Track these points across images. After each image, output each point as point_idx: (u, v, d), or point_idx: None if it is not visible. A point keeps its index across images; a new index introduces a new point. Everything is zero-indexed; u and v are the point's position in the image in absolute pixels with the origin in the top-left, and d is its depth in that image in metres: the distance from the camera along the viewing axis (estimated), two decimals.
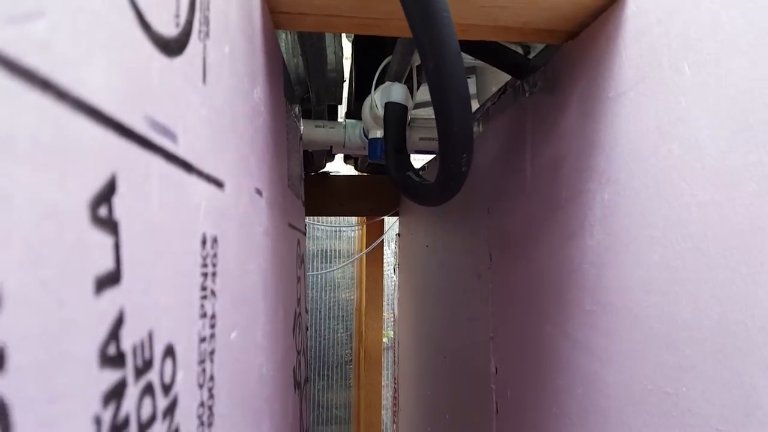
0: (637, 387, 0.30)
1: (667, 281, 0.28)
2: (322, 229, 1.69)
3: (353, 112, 0.79)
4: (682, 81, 0.27)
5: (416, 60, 0.57)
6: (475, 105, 0.71)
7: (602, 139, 0.35)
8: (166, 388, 0.16)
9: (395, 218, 1.33)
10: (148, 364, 0.15)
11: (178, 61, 0.17)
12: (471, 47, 0.48)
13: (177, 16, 0.17)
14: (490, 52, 0.49)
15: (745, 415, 0.23)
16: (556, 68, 0.42)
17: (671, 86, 0.28)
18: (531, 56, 0.49)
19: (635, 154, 0.31)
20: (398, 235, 1.32)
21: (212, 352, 0.21)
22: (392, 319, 1.57)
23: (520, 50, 0.61)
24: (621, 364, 0.32)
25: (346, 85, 0.85)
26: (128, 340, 0.14)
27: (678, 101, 0.28)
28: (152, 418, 0.15)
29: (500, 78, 0.71)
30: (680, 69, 0.28)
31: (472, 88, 0.84)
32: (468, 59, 0.57)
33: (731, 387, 0.23)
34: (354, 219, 1.60)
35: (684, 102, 0.27)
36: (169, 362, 0.17)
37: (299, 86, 0.72)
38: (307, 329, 0.64)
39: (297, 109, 0.58)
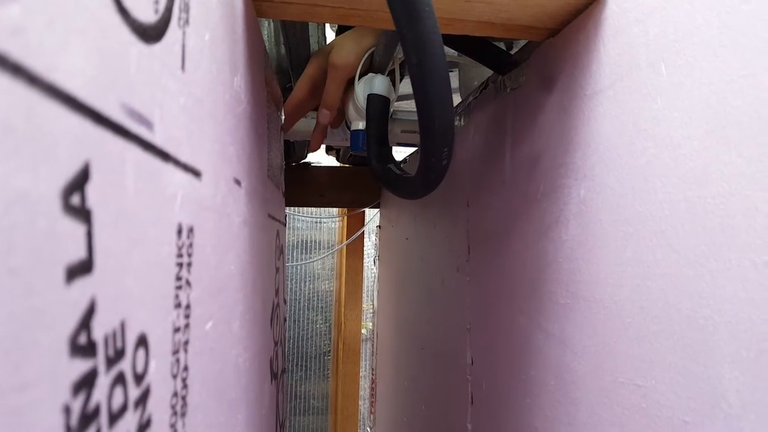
0: (609, 379, 0.31)
1: (639, 276, 0.28)
2: (303, 220, 1.69)
3: None
4: (659, 81, 0.28)
5: (399, 52, 0.57)
6: (457, 99, 0.72)
7: (580, 136, 0.35)
8: (138, 378, 0.16)
9: (376, 210, 1.33)
10: (119, 354, 0.15)
11: (157, 48, 0.17)
12: (454, 41, 0.48)
13: (156, 2, 0.17)
14: (472, 46, 0.49)
15: (711, 407, 0.23)
16: (537, 65, 0.42)
17: (648, 86, 0.29)
18: (513, 51, 0.49)
19: (611, 152, 0.32)
20: (379, 227, 1.33)
21: (186, 342, 0.21)
22: (371, 310, 1.57)
23: (502, 46, 0.61)
24: (593, 356, 0.33)
25: None
26: (99, 330, 0.14)
27: (654, 101, 0.28)
28: (123, 408, 0.15)
29: (483, 72, 0.71)
30: (657, 69, 0.28)
31: (455, 82, 0.84)
32: (450, 53, 0.57)
33: (698, 380, 0.24)
34: (335, 210, 1.59)
35: (660, 102, 0.28)
36: (141, 352, 0.17)
37: (281, 75, 0.72)
38: (285, 320, 0.64)
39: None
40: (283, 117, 0.62)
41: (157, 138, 0.17)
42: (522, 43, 0.54)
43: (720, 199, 0.23)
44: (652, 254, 0.27)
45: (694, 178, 0.25)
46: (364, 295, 1.56)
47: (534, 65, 0.43)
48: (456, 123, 0.63)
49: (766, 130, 0.21)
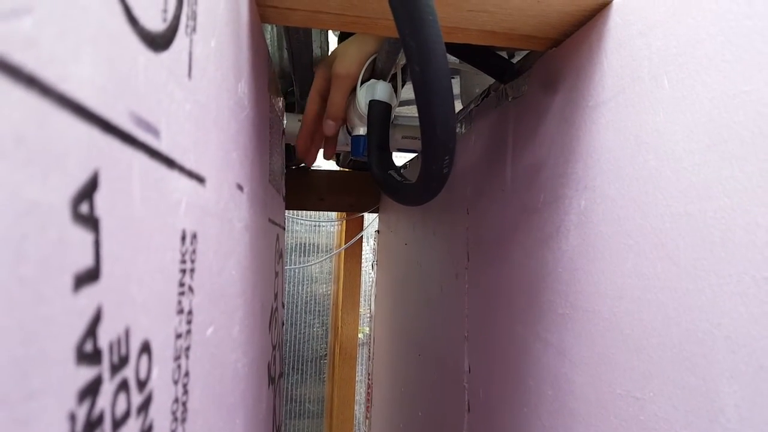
0: (607, 390, 0.31)
1: (638, 288, 0.29)
2: (301, 223, 1.69)
3: None
4: (661, 94, 0.28)
5: (402, 59, 0.57)
6: (458, 106, 0.72)
7: (581, 147, 0.35)
8: (141, 385, 0.16)
9: (375, 215, 1.33)
10: (123, 361, 0.15)
11: (164, 56, 0.17)
12: (456, 50, 0.48)
13: (165, 11, 0.17)
14: (474, 54, 0.49)
15: (709, 421, 0.23)
16: (539, 74, 0.42)
17: (651, 98, 0.29)
18: (515, 60, 0.49)
19: (613, 163, 0.32)
20: (377, 231, 1.33)
21: (188, 348, 0.21)
22: (368, 315, 1.57)
23: (504, 54, 0.62)
24: (591, 367, 0.33)
25: None
26: (105, 337, 0.14)
27: (656, 113, 0.28)
28: (126, 414, 0.15)
29: (484, 80, 0.72)
30: (660, 82, 0.28)
31: (456, 89, 0.85)
32: (452, 60, 0.57)
33: (697, 393, 0.24)
34: (333, 214, 1.59)
35: (662, 115, 0.28)
36: (144, 358, 0.17)
37: (283, 80, 0.72)
38: (283, 324, 0.64)
39: (280, 103, 0.57)
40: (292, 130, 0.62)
41: (163, 145, 0.17)
42: (524, 52, 0.55)
43: (721, 214, 0.23)
44: (652, 267, 0.27)
45: (695, 192, 0.25)
46: (362, 299, 1.56)
47: (536, 74, 0.43)
48: (457, 130, 0.63)
49: None
